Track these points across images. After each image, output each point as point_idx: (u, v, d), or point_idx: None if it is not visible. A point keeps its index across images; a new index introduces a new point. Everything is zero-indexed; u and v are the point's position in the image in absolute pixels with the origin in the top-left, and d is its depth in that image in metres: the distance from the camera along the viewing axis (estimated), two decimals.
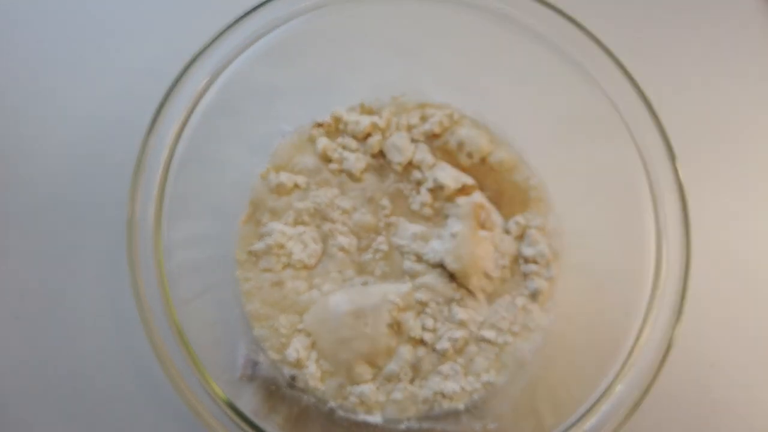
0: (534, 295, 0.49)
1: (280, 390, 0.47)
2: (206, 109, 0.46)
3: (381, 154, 0.52)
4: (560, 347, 0.48)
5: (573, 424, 0.43)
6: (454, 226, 0.49)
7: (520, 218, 0.50)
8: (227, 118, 0.48)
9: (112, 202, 0.50)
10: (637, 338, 0.43)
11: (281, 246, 0.49)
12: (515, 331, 0.48)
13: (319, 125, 0.51)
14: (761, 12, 0.59)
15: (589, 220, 0.50)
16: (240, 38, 0.46)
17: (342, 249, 0.49)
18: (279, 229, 0.49)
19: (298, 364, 0.47)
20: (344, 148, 0.51)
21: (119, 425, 0.49)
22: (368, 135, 0.51)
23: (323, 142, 0.51)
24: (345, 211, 0.50)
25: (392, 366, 0.47)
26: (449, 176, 0.50)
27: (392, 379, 0.47)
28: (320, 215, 0.50)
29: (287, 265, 0.49)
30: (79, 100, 0.55)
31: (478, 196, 0.50)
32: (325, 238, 0.50)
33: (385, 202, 0.50)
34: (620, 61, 0.45)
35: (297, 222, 0.50)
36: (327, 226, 0.50)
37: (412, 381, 0.47)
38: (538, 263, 0.49)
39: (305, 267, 0.49)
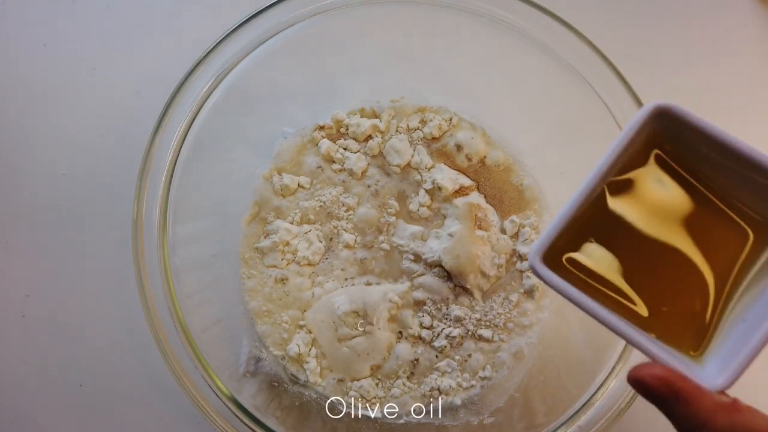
0: (529, 292, 0.49)
1: (282, 385, 0.48)
2: (210, 111, 0.47)
3: (381, 155, 0.52)
4: (555, 343, 0.49)
5: (568, 419, 0.43)
6: (452, 226, 0.50)
7: (515, 217, 0.51)
8: (230, 120, 0.49)
9: (118, 201, 0.51)
10: None
11: (286, 243, 0.50)
12: (510, 328, 0.49)
13: (321, 128, 0.52)
14: (755, 14, 0.59)
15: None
16: (243, 43, 0.47)
17: (346, 246, 0.50)
18: (285, 227, 0.50)
19: (299, 360, 0.48)
20: (345, 149, 0.52)
21: (124, 420, 0.50)
22: (369, 137, 0.52)
23: (326, 144, 0.51)
24: (350, 208, 0.51)
25: (391, 363, 0.48)
26: (447, 177, 0.51)
27: (391, 375, 0.48)
28: (325, 213, 0.51)
29: (292, 263, 0.50)
30: (85, 101, 0.55)
31: (475, 197, 0.51)
32: (329, 236, 0.51)
33: (393, 201, 0.51)
34: (614, 64, 0.46)
35: (303, 220, 0.51)
36: (332, 224, 0.51)
37: (410, 377, 0.48)
38: None
39: (309, 264, 0.50)
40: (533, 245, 0.29)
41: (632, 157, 0.30)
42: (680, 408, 0.25)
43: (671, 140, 0.30)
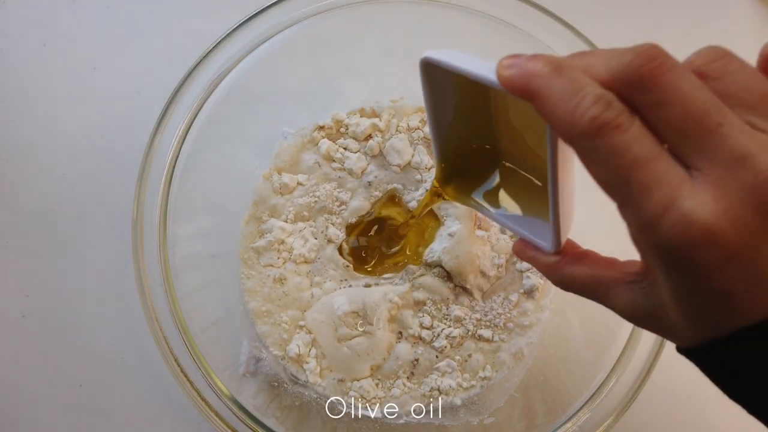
0: (529, 292, 0.49)
1: (282, 385, 0.48)
2: (210, 111, 0.47)
3: (381, 155, 0.52)
4: (555, 343, 0.49)
5: (568, 419, 0.43)
6: (452, 226, 0.50)
7: None
8: (230, 120, 0.49)
9: (118, 201, 0.51)
10: (631, 334, 0.44)
11: (282, 242, 0.50)
12: (511, 328, 0.49)
13: (321, 128, 0.52)
14: (755, 14, 0.59)
15: (585, 219, 0.50)
16: (243, 43, 0.47)
17: (339, 240, 0.50)
18: (279, 225, 0.50)
19: (298, 360, 0.48)
20: (345, 149, 0.52)
21: (124, 420, 0.50)
22: (369, 137, 0.52)
23: (326, 144, 0.51)
24: (343, 203, 0.51)
25: (391, 363, 0.48)
26: None
27: (391, 375, 0.48)
28: (319, 208, 0.51)
29: (288, 261, 0.50)
30: (86, 102, 0.55)
31: None
32: (323, 231, 0.51)
33: (378, 193, 0.51)
34: None
35: (297, 218, 0.51)
36: (325, 217, 0.51)
37: (410, 377, 0.48)
38: None
39: (306, 262, 0.50)
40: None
41: (462, 90, 0.34)
42: (536, 269, 0.33)
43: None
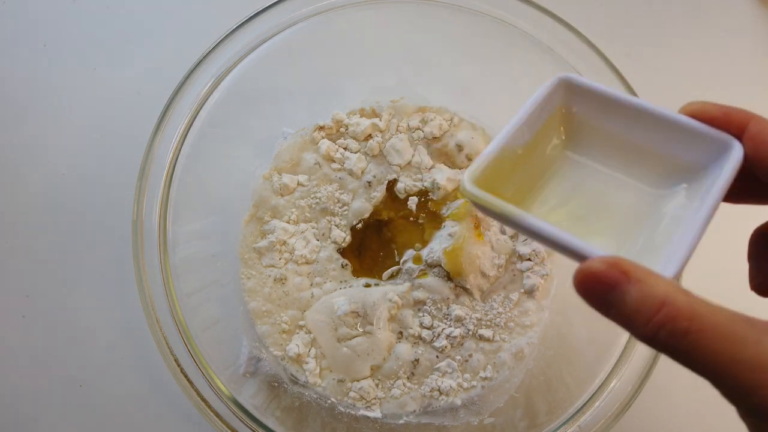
0: (530, 292, 0.49)
1: (282, 385, 0.48)
2: (210, 111, 0.47)
3: (382, 154, 0.52)
4: (556, 344, 0.49)
5: (569, 419, 0.43)
6: (452, 226, 0.50)
7: None
8: (230, 120, 0.49)
9: (118, 201, 0.52)
10: (631, 336, 0.44)
11: (283, 243, 0.50)
12: (512, 327, 0.49)
13: (321, 128, 0.52)
14: (755, 14, 0.59)
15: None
16: (243, 43, 0.47)
17: (341, 242, 0.50)
18: (281, 226, 0.50)
19: (298, 360, 0.48)
20: (345, 149, 0.52)
21: (124, 420, 0.50)
22: (369, 137, 0.52)
23: (326, 144, 0.51)
24: (345, 204, 0.51)
25: (391, 363, 0.48)
26: (447, 178, 0.51)
27: (391, 376, 0.48)
28: (320, 209, 0.51)
29: (289, 262, 0.50)
30: (86, 102, 0.55)
31: None
32: (325, 233, 0.51)
33: (376, 193, 0.51)
34: (613, 64, 0.46)
35: (299, 219, 0.51)
36: (326, 219, 0.51)
37: (410, 378, 0.48)
38: (533, 260, 0.50)
39: (307, 262, 0.50)
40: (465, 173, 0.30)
41: (545, 131, 0.33)
42: (632, 290, 0.23)
43: (576, 122, 0.32)
